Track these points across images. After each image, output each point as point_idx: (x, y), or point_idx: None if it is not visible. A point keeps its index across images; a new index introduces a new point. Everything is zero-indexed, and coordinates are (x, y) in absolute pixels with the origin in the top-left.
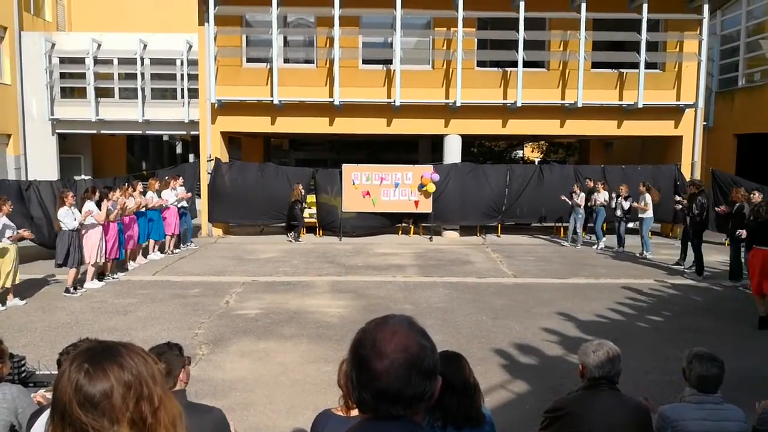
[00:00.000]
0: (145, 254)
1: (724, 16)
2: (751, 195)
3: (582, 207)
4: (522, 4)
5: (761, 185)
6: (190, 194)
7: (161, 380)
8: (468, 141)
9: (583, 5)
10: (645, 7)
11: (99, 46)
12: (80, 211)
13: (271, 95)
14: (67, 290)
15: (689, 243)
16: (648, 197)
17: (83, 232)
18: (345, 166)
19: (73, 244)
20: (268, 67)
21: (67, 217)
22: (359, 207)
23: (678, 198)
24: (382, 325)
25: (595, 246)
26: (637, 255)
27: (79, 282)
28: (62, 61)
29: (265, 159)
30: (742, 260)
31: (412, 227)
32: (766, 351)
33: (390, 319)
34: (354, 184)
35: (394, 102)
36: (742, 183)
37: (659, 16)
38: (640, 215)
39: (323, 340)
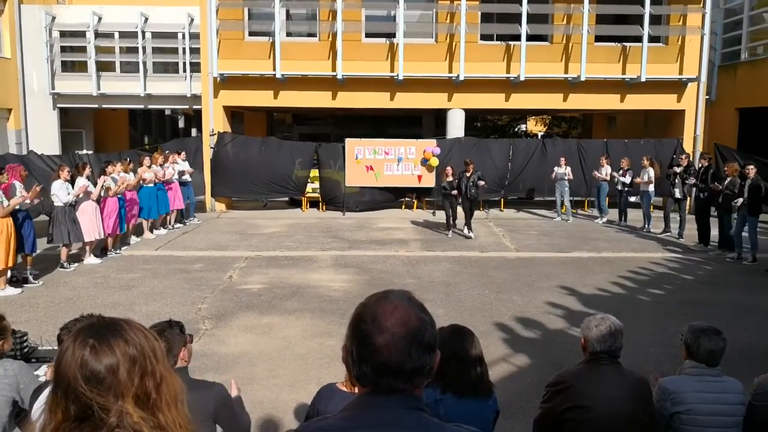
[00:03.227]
0: (152, 229)
1: None
2: (745, 169)
3: (567, 180)
4: None
5: (763, 159)
6: (192, 170)
7: (162, 356)
8: (471, 115)
9: None
10: None
11: (100, 19)
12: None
13: (274, 69)
14: (61, 265)
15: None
16: (651, 171)
17: (77, 208)
18: (348, 141)
19: (67, 220)
20: (271, 40)
21: (61, 191)
22: (362, 182)
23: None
24: (382, 300)
25: (598, 220)
26: (639, 229)
27: (75, 257)
28: (63, 34)
29: (268, 133)
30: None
31: (415, 202)
32: (764, 324)
33: (390, 293)
34: (357, 158)
35: (397, 76)
36: (744, 157)
37: None
38: (641, 189)
39: (326, 315)
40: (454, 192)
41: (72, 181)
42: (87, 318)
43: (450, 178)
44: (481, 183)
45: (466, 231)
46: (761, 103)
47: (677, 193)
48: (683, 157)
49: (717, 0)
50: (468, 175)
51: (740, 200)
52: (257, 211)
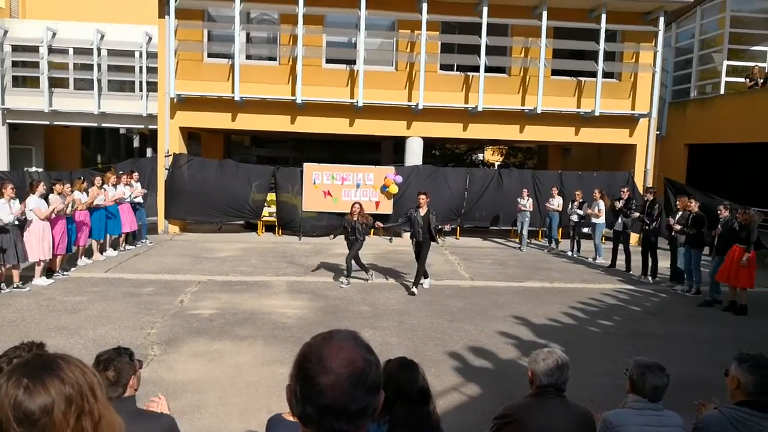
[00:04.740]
0: (102, 251)
1: (679, 29)
2: (690, 202)
3: (528, 211)
4: (485, 10)
5: (709, 194)
6: (145, 191)
7: (101, 392)
8: (430, 143)
9: (545, 13)
10: (604, 17)
11: (54, 34)
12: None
13: (233, 91)
14: (17, 286)
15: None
16: (601, 203)
17: (26, 227)
18: (306, 166)
19: (11, 240)
20: (230, 62)
21: (3, 211)
22: (320, 207)
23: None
24: (327, 340)
25: (546, 249)
26: (590, 260)
27: (25, 278)
28: (15, 49)
29: (225, 155)
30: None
31: (372, 229)
32: (708, 355)
33: (335, 334)
34: (315, 183)
35: (357, 102)
36: (690, 191)
37: (617, 27)
38: (593, 221)
39: (279, 342)
40: (361, 236)
41: (21, 199)
42: (28, 346)
43: (356, 218)
44: (439, 225)
45: (412, 287)
46: (709, 139)
47: (617, 226)
48: (624, 190)
49: (668, 39)
50: (423, 213)
51: (678, 226)
52: (212, 234)
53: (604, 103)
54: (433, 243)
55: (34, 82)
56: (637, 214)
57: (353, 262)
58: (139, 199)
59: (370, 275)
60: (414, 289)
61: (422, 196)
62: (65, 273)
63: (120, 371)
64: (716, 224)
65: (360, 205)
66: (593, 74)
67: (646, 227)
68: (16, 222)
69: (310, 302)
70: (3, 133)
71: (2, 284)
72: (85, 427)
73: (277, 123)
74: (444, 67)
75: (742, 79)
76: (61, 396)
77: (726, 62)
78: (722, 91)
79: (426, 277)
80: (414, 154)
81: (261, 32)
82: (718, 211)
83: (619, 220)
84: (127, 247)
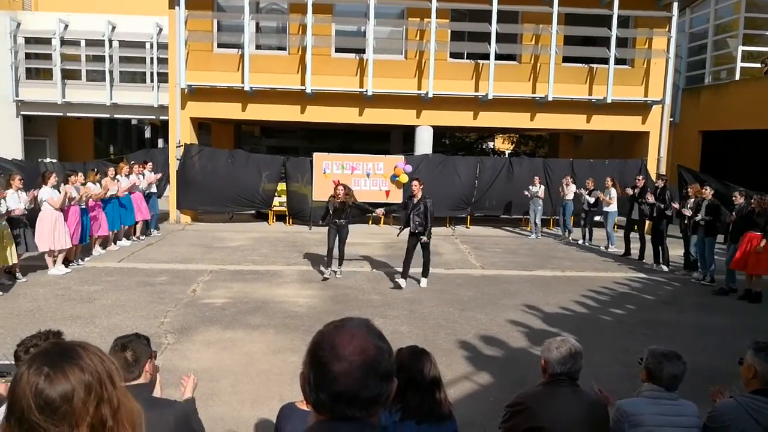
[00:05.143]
0: (116, 241)
1: (693, 14)
2: (704, 190)
3: (541, 199)
4: None
5: (724, 181)
6: (161, 174)
7: (119, 380)
8: (440, 132)
9: (556, 0)
10: (616, 3)
11: (66, 26)
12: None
13: (243, 82)
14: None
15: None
16: (613, 191)
17: (37, 217)
18: (316, 155)
19: (20, 229)
20: (240, 53)
21: (12, 201)
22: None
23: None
24: (340, 328)
25: (559, 238)
26: (602, 248)
27: (31, 268)
28: (28, 41)
29: (235, 145)
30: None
31: (382, 217)
32: (720, 345)
33: (348, 321)
34: (325, 173)
35: (367, 91)
36: (705, 179)
37: (630, 13)
38: (604, 209)
39: (290, 330)
40: (342, 220)
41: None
42: (44, 334)
43: (342, 199)
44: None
45: (422, 280)
46: (723, 126)
47: (634, 214)
48: (639, 178)
49: (682, 24)
50: (415, 201)
51: (698, 216)
52: (223, 224)
53: (617, 90)
54: (423, 236)
55: (47, 74)
56: (653, 201)
57: (336, 251)
58: (153, 189)
59: (330, 272)
60: (423, 282)
61: (415, 182)
62: (80, 263)
63: (138, 352)
64: (731, 211)
65: (344, 186)
66: (605, 61)
67: (668, 213)
68: (25, 212)
69: (321, 291)
70: (18, 124)
71: (18, 273)
72: (105, 414)
73: (287, 113)
74: (454, 55)
75: (757, 65)
76: (81, 384)
77: (741, 47)
78: (737, 77)
79: (404, 278)
80: (424, 143)
81: (270, 22)
82: (734, 198)
83: (636, 208)
84: (141, 237)
